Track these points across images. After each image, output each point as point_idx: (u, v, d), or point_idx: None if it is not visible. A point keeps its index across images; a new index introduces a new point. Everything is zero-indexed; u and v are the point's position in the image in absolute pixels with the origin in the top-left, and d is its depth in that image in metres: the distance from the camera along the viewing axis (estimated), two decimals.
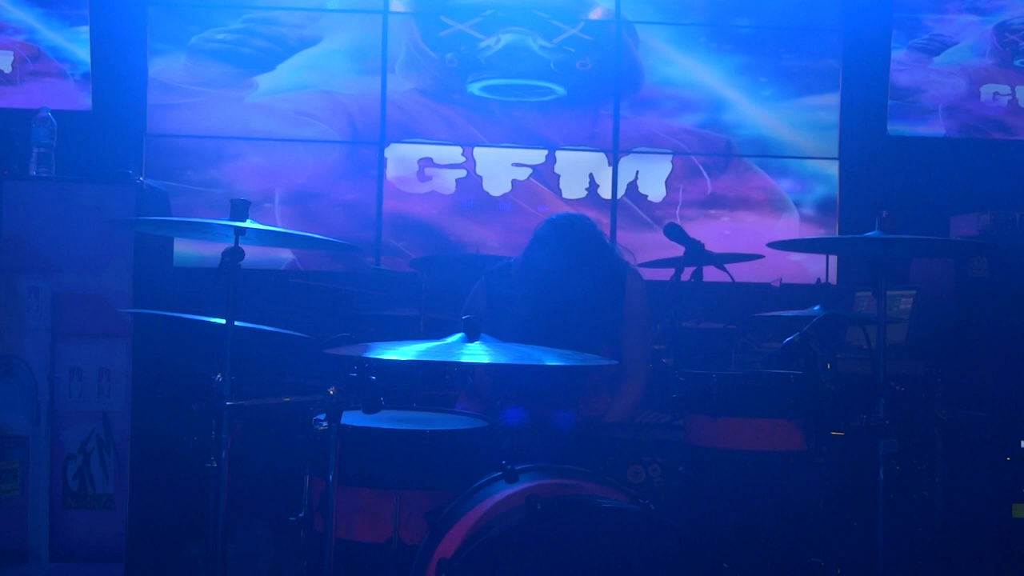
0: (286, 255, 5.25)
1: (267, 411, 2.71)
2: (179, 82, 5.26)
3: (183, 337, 3.16)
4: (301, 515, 2.72)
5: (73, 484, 3.52)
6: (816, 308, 3.10)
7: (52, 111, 3.75)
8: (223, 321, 2.57)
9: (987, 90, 5.59)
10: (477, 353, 2.38)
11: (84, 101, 5.12)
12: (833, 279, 5.38)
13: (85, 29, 5.11)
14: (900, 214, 4.48)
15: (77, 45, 5.14)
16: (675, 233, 3.58)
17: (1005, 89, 5.60)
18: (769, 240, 2.85)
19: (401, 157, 5.37)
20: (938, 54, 5.57)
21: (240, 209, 2.54)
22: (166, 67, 5.26)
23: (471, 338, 2.42)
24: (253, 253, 2.71)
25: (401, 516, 2.49)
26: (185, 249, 4.73)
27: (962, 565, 3.58)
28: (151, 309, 3.26)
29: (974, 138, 5.56)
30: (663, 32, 5.50)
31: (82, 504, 3.52)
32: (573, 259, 3.17)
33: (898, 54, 5.53)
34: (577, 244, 3.21)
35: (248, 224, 2.51)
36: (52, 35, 5.14)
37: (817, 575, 2.65)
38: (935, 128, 5.57)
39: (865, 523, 2.80)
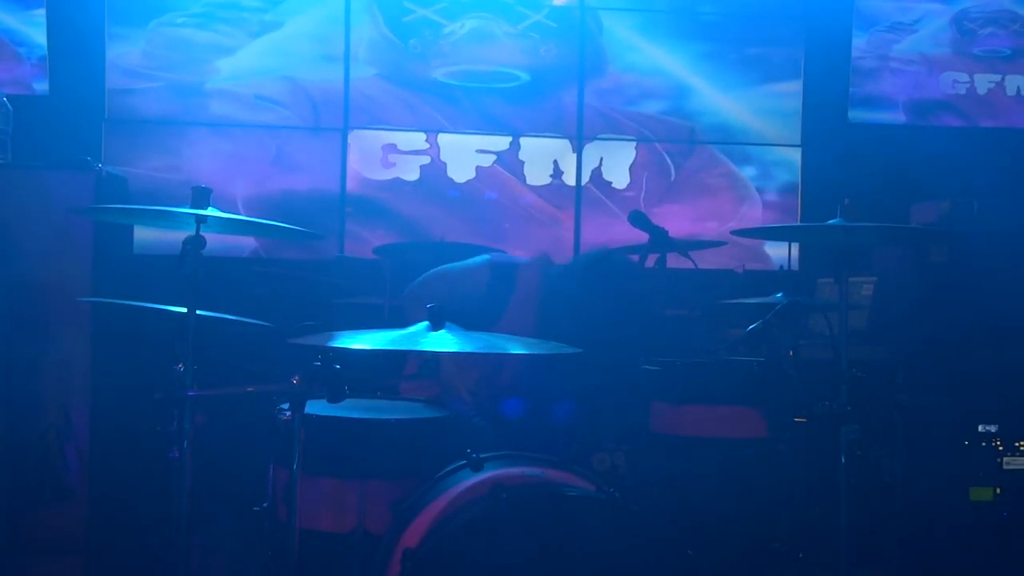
0: (248, 242, 5.20)
1: (230, 400, 2.68)
2: (138, 66, 5.18)
3: (144, 326, 3.12)
4: (265, 505, 2.71)
5: (32, 476, 3.48)
6: (779, 295, 3.12)
7: (8, 96, 3.68)
8: (185, 310, 2.54)
9: (946, 78, 5.65)
10: (442, 341, 2.38)
11: (41, 86, 5.03)
12: (795, 265, 5.42)
13: (41, 12, 5.02)
14: (861, 201, 4.51)
15: (33, 28, 5.04)
16: (639, 220, 3.59)
17: (963, 77, 5.66)
18: (732, 226, 2.87)
19: (364, 143, 5.33)
20: (898, 42, 5.62)
21: (202, 197, 2.52)
22: (125, 51, 5.18)
23: (436, 326, 2.41)
24: (215, 240, 2.68)
25: (366, 505, 2.48)
26: (145, 235, 4.67)
27: (922, 548, 3.63)
28: (111, 297, 3.22)
29: (933, 126, 5.61)
30: (627, 19, 5.49)
31: (41, 496, 3.48)
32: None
33: (859, 42, 5.57)
34: None
35: (210, 212, 2.48)
36: (7, 18, 5.04)
37: (779, 560, 2.68)
38: (895, 116, 5.62)
39: (826, 508, 2.83)
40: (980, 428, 3.58)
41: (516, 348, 2.42)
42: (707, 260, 4.28)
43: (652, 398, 2.73)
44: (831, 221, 2.58)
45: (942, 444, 3.66)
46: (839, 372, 2.42)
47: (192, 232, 2.53)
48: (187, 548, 2.53)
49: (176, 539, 2.53)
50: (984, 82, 5.64)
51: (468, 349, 2.38)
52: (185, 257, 2.51)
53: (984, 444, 3.56)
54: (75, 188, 3.52)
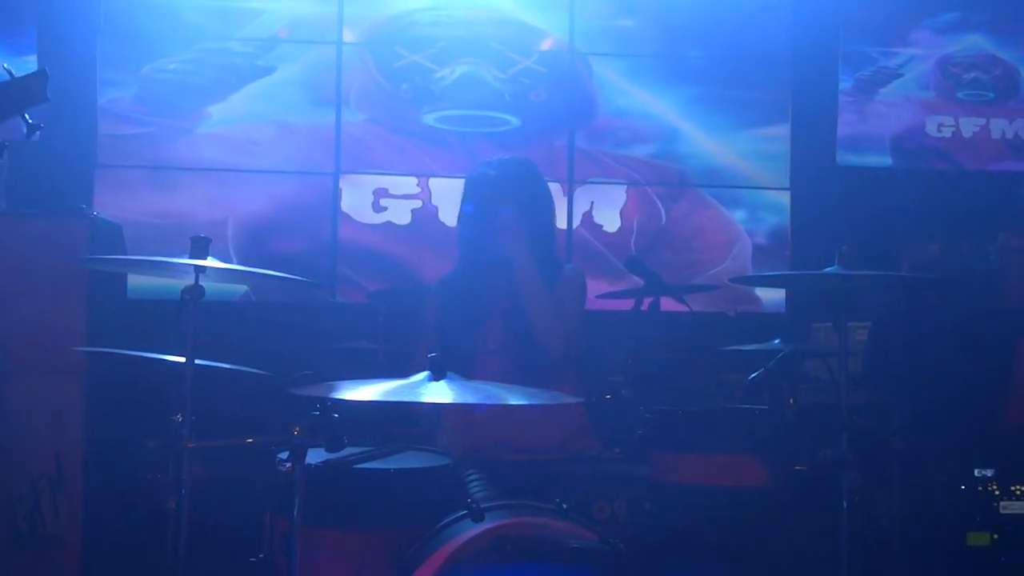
0: (239, 287, 5.18)
1: (226, 450, 2.66)
2: (130, 112, 5.20)
3: (138, 373, 3.10)
4: (261, 556, 2.67)
5: (23, 526, 3.43)
6: (776, 342, 3.13)
7: (1, 142, 3.68)
8: (182, 359, 2.53)
9: (932, 121, 5.72)
10: (441, 392, 2.36)
11: (38, 124, 5.02)
12: (783, 308, 5.44)
13: (32, 59, 5.03)
14: (850, 243, 4.55)
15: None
16: (635, 266, 3.61)
17: (949, 120, 5.73)
18: (723, 269, 2.88)
19: (356, 188, 5.34)
20: (884, 86, 5.69)
21: (201, 246, 2.51)
22: (117, 96, 5.20)
23: (436, 376, 2.40)
24: (207, 286, 2.66)
25: (365, 556, 2.46)
26: (138, 280, 4.65)
27: None
28: (105, 345, 3.19)
29: (920, 168, 5.67)
30: (616, 63, 5.55)
31: (32, 545, 3.43)
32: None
33: (845, 85, 5.64)
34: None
35: (209, 262, 2.48)
36: None
37: None
38: (882, 159, 5.68)
39: (826, 555, 2.82)
40: (976, 472, 3.57)
41: (516, 399, 2.41)
42: (699, 303, 4.29)
43: (651, 446, 2.73)
44: (828, 268, 2.59)
45: (938, 489, 3.65)
46: (840, 420, 2.43)
47: (188, 278, 2.53)
48: None
49: None
50: (969, 125, 5.72)
51: (468, 400, 2.36)
52: (184, 307, 2.50)
53: (980, 488, 3.55)
54: (69, 235, 3.51)
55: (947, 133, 5.72)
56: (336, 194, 5.30)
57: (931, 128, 5.71)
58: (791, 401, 2.69)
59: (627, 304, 3.91)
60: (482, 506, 2.42)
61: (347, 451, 2.52)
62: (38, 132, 2.48)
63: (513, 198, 3.21)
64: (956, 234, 4.75)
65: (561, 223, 5.41)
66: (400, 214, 5.36)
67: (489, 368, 3.09)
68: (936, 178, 5.61)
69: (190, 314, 2.49)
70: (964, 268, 4.33)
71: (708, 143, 5.58)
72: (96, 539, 3.51)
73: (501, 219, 3.18)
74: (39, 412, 3.46)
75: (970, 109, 5.72)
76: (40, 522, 3.45)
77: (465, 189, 3.39)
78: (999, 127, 5.72)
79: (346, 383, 2.40)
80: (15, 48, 5.06)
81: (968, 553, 3.56)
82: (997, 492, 3.56)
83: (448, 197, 5.37)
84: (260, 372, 2.83)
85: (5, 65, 3.26)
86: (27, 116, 2.43)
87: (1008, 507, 3.55)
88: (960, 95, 5.72)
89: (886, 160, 5.67)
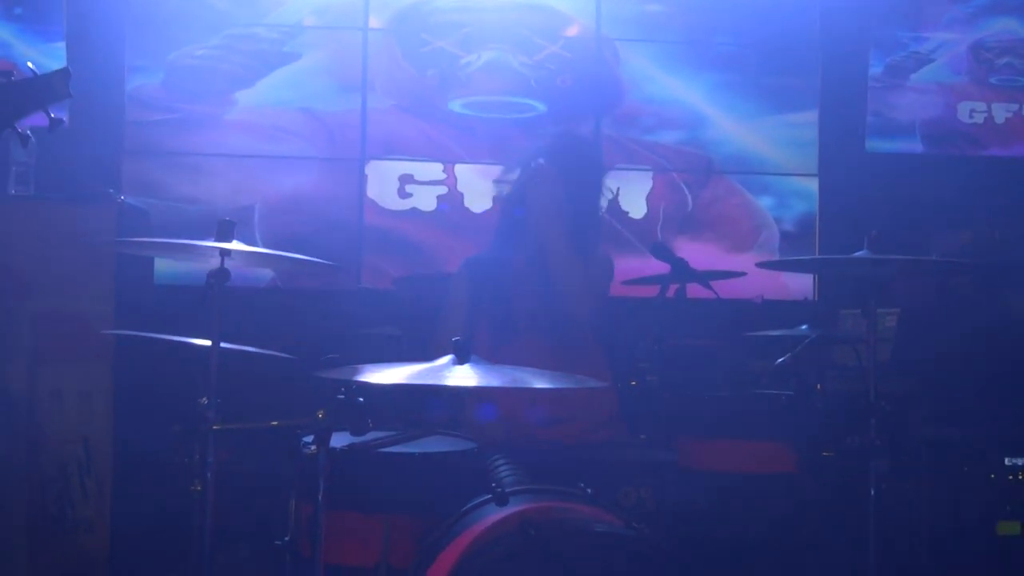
0: (265, 273, 5.20)
1: (252, 433, 2.67)
2: (157, 98, 5.22)
3: (165, 357, 3.11)
4: (286, 539, 2.68)
5: (52, 508, 3.46)
6: (804, 327, 3.10)
7: (29, 128, 3.69)
8: (208, 343, 2.54)
9: (963, 107, 5.64)
10: (466, 376, 2.36)
11: (61, 117, 5.05)
12: (811, 295, 5.39)
13: (62, 45, 5.06)
14: (880, 230, 4.50)
15: (54, 61, 5.07)
16: (661, 252, 3.59)
17: (981, 106, 5.66)
18: (750, 256, 2.85)
19: (381, 174, 5.34)
20: (915, 71, 5.62)
21: (226, 230, 2.52)
22: (144, 83, 5.22)
23: (461, 360, 2.39)
24: (233, 271, 2.67)
25: (389, 539, 2.46)
26: (165, 266, 4.68)
27: None
28: (132, 329, 3.21)
29: (951, 155, 5.60)
30: (643, 49, 5.51)
31: (62, 528, 3.46)
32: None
33: (876, 71, 5.57)
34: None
35: (234, 245, 2.48)
36: (28, 51, 5.08)
37: None
38: (913, 145, 5.61)
39: (852, 543, 2.80)
40: (1007, 461, 3.54)
41: (541, 382, 2.40)
42: (725, 290, 4.26)
43: (679, 432, 2.71)
44: (858, 253, 2.56)
45: (968, 478, 3.62)
46: (868, 406, 2.40)
47: (214, 262, 2.54)
48: None
49: (198, 572, 2.51)
50: (1002, 111, 5.64)
51: (492, 383, 2.35)
52: (209, 290, 2.51)
53: (1011, 477, 3.52)
54: (97, 220, 3.53)
55: (979, 119, 5.64)
56: (362, 180, 5.30)
57: (963, 114, 5.64)
58: (818, 387, 2.66)
59: (653, 291, 3.88)
60: (506, 490, 2.42)
61: (372, 435, 2.52)
62: (61, 126, 2.49)
63: (555, 157, 3.21)
64: (987, 221, 4.69)
65: None
66: (425, 200, 5.36)
67: (519, 352, 3.08)
68: (967, 165, 5.54)
69: (216, 297, 2.50)
70: (995, 256, 4.28)
71: (736, 129, 5.54)
72: (124, 522, 3.53)
73: (536, 168, 3.17)
74: (68, 396, 3.49)
75: (1003, 94, 5.64)
76: (69, 505, 3.48)
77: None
78: None
79: (371, 366, 2.40)
80: (44, 35, 5.09)
81: (998, 542, 3.53)
82: None
83: (474, 183, 5.36)
84: (285, 356, 2.84)
85: (30, 64, 3.28)
86: (50, 112, 2.44)
87: None
88: (993, 80, 5.64)
89: (916, 146, 5.60)
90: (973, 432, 3.67)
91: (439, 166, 5.37)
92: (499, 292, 3.24)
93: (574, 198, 3.21)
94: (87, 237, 3.44)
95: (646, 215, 5.45)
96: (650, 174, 5.47)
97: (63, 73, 2.47)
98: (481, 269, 3.35)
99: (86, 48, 5.11)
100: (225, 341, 2.62)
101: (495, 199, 3.39)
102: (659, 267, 3.75)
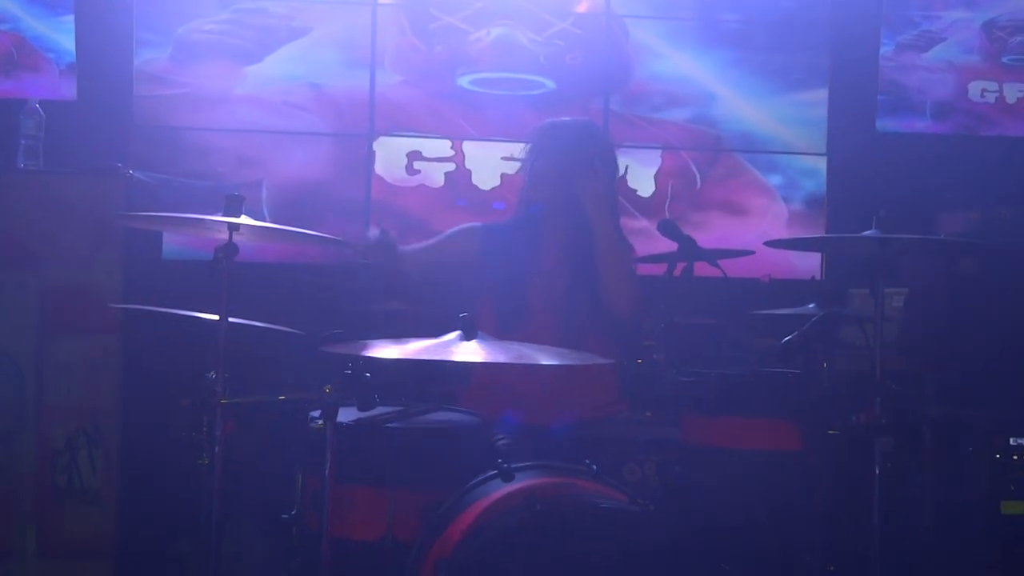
0: (272, 247, 5.20)
1: (259, 407, 2.69)
2: (166, 73, 5.20)
3: (173, 332, 3.13)
4: (293, 512, 2.71)
5: (60, 480, 3.49)
6: (811, 306, 3.10)
7: (38, 102, 3.70)
8: (216, 317, 2.55)
9: (975, 87, 5.60)
10: (472, 352, 2.37)
11: (69, 91, 5.05)
12: (819, 275, 5.38)
13: (70, 19, 5.04)
14: (888, 210, 4.49)
15: (62, 35, 5.06)
16: (669, 229, 3.59)
17: (993, 86, 5.61)
18: (757, 234, 2.85)
19: (389, 150, 5.33)
20: (927, 51, 5.58)
21: (235, 205, 2.52)
22: (153, 57, 5.20)
23: (468, 336, 2.40)
24: (240, 246, 2.68)
25: (396, 513, 2.48)
26: (173, 241, 4.69)
27: (953, 562, 3.60)
28: (140, 304, 3.23)
29: (962, 135, 5.57)
30: (653, 26, 5.48)
31: (70, 500, 3.49)
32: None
33: (887, 50, 5.53)
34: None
35: (243, 220, 2.49)
36: (36, 24, 5.07)
37: (811, 572, 2.66)
38: (923, 125, 5.58)
39: (856, 521, 2.81)
40: (1012, 441, 3.54)
41: (547, 359, 2.41)
42: (732, 269, 4.26)
43: (684, 409, 2.72)
44: (867, 232, 2.56)
45: (973, 457, 3.62)
46: (874, 384, 2.41)
47: (222, 238, 2.54)
48: (217, 554, 2.53)
49: (206, 544, 2.53)
50: (1014, 91, 5.60)
51: (499, 359, 2.36)
52: (217, 265, 2.51)
53: (1016, 457, 3.52)
54: (105, 194, 3.54)
55: (991, 99, 5.60)
56: (369, 156, 5.30)
57: (974, 93, 5.59)
58: (824, 366, 2.67)
59: (660, 269, 3.88)
60: (512, 466, 2.44)
61: (378, 410, 2.54)
62: None
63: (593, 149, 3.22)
64: (997, 201, 4.67)
65: None
66: (434, 176, 5.35)
67: (531, 327, 3.08)
68: (978, 144, 5.51)
69: (224, 271, 2.51)
70: (1005, 236, 4.26)
71: (745, 108, 5.51)
72: (132, 494, 3.56)
73: (582, 165, 3.18)
74: (77, 368, 3.51)
75: (1015, 74, 5.59)
76: (78, 477, 3.51)
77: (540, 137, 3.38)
78: None
79: (377, 341, 2.41)
80: (53, 8, 5.07)
81: (1002, 522, 3.54)
82: None
83: (482, 160, 5.35)
84: (293, 331, 2.85)
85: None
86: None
87: None
88: (1005, 60, 5.59)
89: (927, 126, 5.57)
90: (979, 412, 3.67)
91: (447, 143, 5.36)
92: (512, 268, 3.25)
93: (611, 193, 3.25)
94: (96, 211, 3.45)
95: (654, 193, 5.43)
96: (659, 152, 5.45)
97: None
98: (497, 241, 3.36)
99: (94, 21, 5.09)
100: (232, 315, 2.63)
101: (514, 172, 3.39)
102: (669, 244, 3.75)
